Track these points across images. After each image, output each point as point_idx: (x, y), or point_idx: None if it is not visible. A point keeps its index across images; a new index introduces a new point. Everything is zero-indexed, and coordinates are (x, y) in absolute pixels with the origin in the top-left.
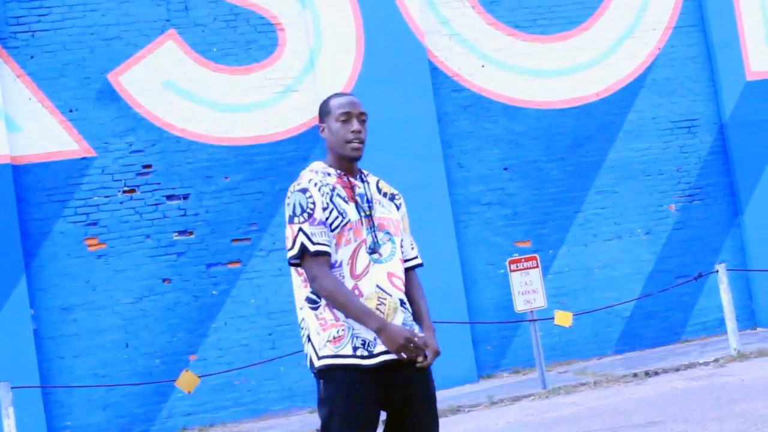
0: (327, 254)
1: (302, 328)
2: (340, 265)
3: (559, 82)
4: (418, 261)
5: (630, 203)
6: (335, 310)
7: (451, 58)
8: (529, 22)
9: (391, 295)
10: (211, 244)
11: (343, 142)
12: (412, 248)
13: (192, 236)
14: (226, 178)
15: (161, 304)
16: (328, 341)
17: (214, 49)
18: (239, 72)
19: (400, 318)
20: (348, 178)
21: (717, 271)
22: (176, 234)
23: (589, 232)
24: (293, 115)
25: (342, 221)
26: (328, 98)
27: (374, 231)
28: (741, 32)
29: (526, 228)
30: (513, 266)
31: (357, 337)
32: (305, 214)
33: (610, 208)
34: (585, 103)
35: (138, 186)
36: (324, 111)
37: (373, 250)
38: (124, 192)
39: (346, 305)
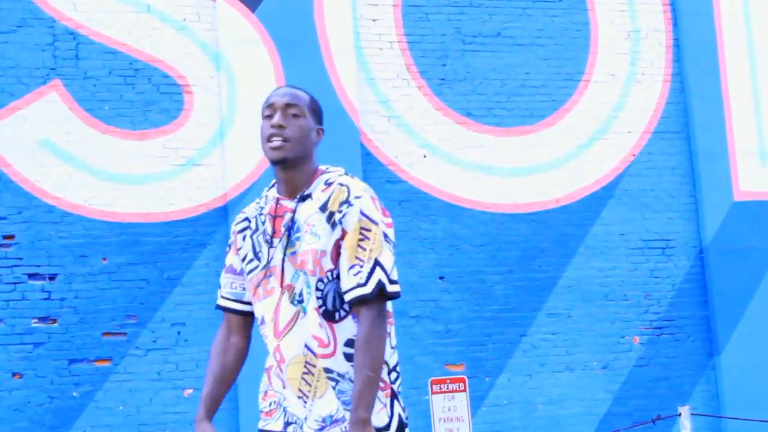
0: (228, 311)
1: None
2: (263, 322)
3: (514, 183)
4: (360, 292)
5: (586, 331)
6: (271, 377)
7: (388, 143)
8: (484, 110)
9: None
10: (77, 336)
11: (264, 142)
12: (355, 274)
13: (55, 325)
14: (104, 259)
15: (8, 403)
16: (261, 411)
17: (106, 107)
18: (133, 137)
19: (331, 396)
20: (278, 203)
21: (680, 415)
22: (36, 320)
23: (535, 361)
24: (193, 193)
25: (257, 267)
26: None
27: (300, 275)
28: (731, 144)
29: (461, 349)
30: (436, 387)
31: (288, 412)
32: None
33: (562, 334)
34: (542, 210)
35: None
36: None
37: (301, 299)
38: None
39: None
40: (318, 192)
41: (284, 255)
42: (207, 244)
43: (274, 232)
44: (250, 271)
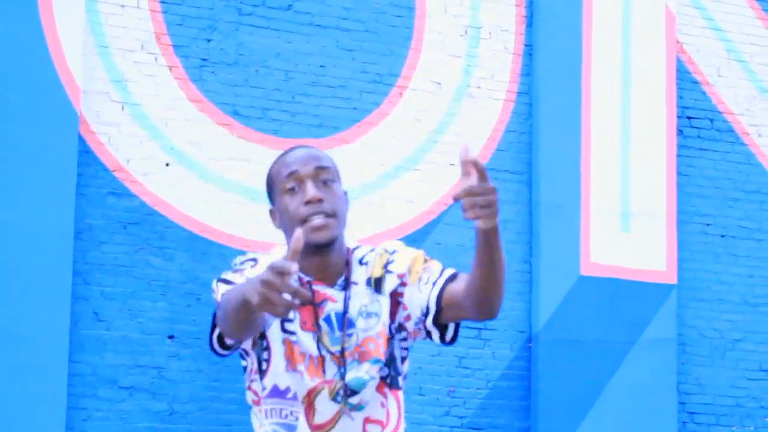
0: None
1: None
2: (294, 397)
3: None
4: (450, 271)
5: None
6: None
7: (119, 141)
8: (258, 110)
9: None
10: None
11: (296, 222)
12: (440, 274)
13: None
14: None
15: None
16: None
17: None
18: None
19: None
20: (312, 286)
21: None
22: None
23: None
24: None
25: (293, 333)
26: (274, 166)
27: (349, 370)
28: (585, 197)
29: None
30: None
31: None
32: (235, 272)
33: None
34: None
35: None
36: (269, 187)
37: (352, 392)
38: None
39: (229, 302)
40: (359, 274)
41: (324, 352)
42: None
43: (303, 323)
44: (284, 331)
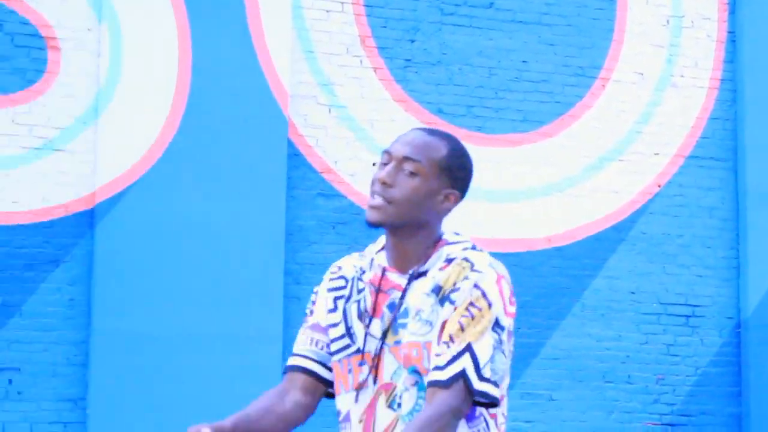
0: (299, 369)
1: None
2: (346, 419)
3: (494, 212)
4: (434, 376)
5: (573, 421)
6: None
7: (326, 143)
8: (461, 108)
9: None
10: None
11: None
12: (438, 353)
13: None
14: None
15: None
16: None
17: None
18: None
19: None
20: (385, 273)
21: None
22: None
23: None
24: (50, 189)
25: (348, 347)
26: None
27: (401, 371)
28: None
29: None
30: None
31: None
32: (308, 311)
33: (539, 423)
34: (527, 251)
35: None
36: None
37: (401, 401)
38: None
39: None
40: (435, 269)
41: (383, 344)
42: (62, 260)
43: (374, 310)
44: (338, 351)
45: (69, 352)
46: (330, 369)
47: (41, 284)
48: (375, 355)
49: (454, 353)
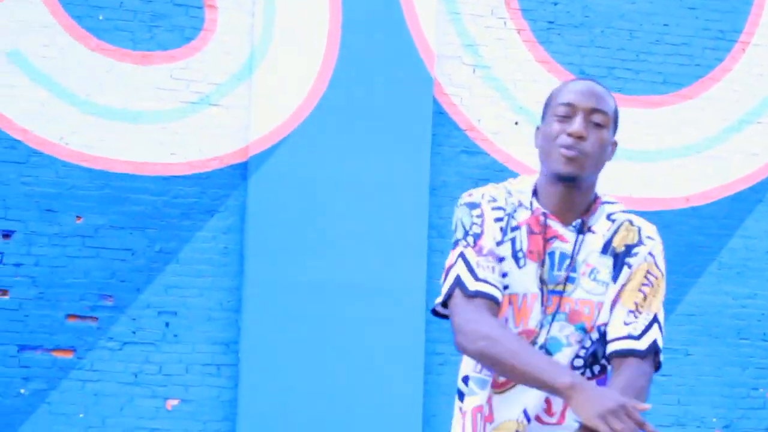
0: (492, 299)
1: None
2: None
3: (633, 171)
4: (632, 345)
5: (708, 376)
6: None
7: (470, 102)
8: (603, 69)
9: None
10: (32, 316)
11: (552, 147)
12: (628, 323)
13: (5, 297)
14: (78, 218)
15: None
16: None
17: (100, 17)
18: (132, 58)
19: None
20: (547, 220)
21: None
22: None
23: None
24: (205, 142)
25: (500, 288)
26: (558, 87)
27: (555, 322)
28: None
29: None
30: None
31: None
32: (470, 237)
33: (675, 377)
34: (666, 210)
35: None
36: (546, 105)
37: (547, 351)
38: None
39: (515, 357)
40: (600, 226)
41: (541, 290)
42: (216, 210)
43: (530, 252)
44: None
45: (222, 298)
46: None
47: (197, 233)
48: (528, 298)
49: (646, 323)
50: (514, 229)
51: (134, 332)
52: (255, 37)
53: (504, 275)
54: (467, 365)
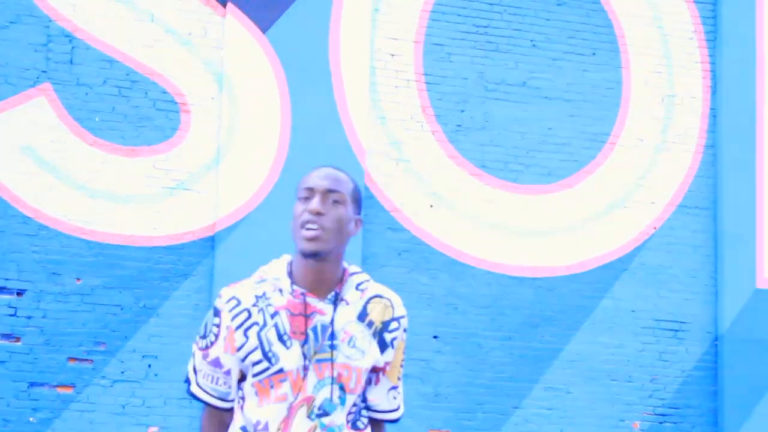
0: (215, 408)
1: None
2: (266, 428)
3: (524, 244)
4: (395, 416)
5: (585, 409)
6: None
7: (394, 188)
8: (500, 164)
9: None
10: (40, 358)
11: (297, 227)
12: (394, 398)
13: (18, 343)
14: (77, 279)
15: None
16: None
17: (97, 119)
18: (122, 152)
19: None
20: (305, 299)
21: None
22: None
23: None
24: (181, 219)
25: (268, 368)
26: (304, 175)
27: (326, 386)
28: (759, 228)
29: (449, 415)
30: None
31: None
32: (204, 341)
33: (558, 410)
34: (550, 276)
35: None
36: (296, 192)
37: (324, 412)
38: None
39: None
40: (352, 296)
41: (307, 361)
42: (189, 274)
43: (293, 332)
44: (258, 374)
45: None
46: (231, 401)
47: (174, 292)
48: (301, 372)
49: (402, 395)
50: (274, 315)
51: (122, 372)
52: (221, 135)
53: (255, 364)
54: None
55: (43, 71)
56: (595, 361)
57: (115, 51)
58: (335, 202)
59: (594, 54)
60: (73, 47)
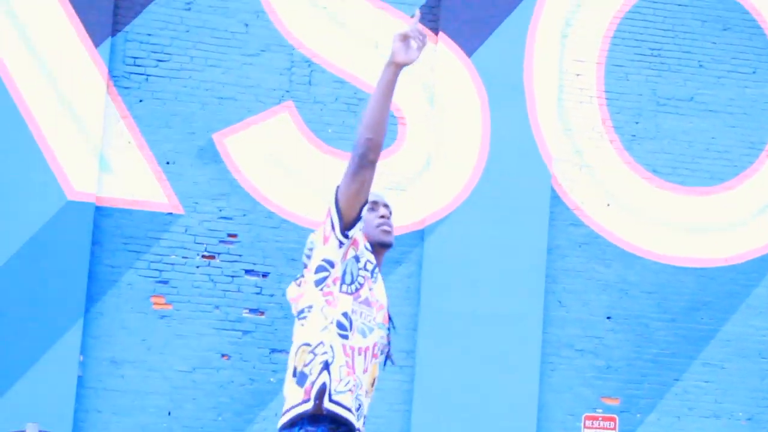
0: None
1: (314, 354)
2: (346, 315)
3: (688, 238)
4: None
5: (737, 383)
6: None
7: (576, 190)
8: (669, 169)
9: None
10: (280, 330)
11: (375, 227)
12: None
13: (262, 317)
14: None
15: (214, 379)
16: (348, 389)
17: (330, 131)
18: (340, 156)
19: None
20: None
21: None
22: (246, 311)
23: (685, 404)
24: (396, 214)
25: (372, 268)
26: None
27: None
28: None
29: (618, 385)
30: (588, 422)
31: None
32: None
33: (713, 383)
34: (711, 267)
35: (218, 254)
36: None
37: (386, 356)
38: (203, 257)
39: (373, 99)
40: None
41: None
42: (402, 261)
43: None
44: (363, 269)
45: (403, 323)
46: None
47: (389, 276)
48: (385, 302)
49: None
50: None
51: None
52: (431, 145)
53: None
54: (326, 319)
55: (287, 91)
56: (748, 341)
57: (346, 73)
58: (390, 213)
59: (754, 72)
60: (311, 71)
